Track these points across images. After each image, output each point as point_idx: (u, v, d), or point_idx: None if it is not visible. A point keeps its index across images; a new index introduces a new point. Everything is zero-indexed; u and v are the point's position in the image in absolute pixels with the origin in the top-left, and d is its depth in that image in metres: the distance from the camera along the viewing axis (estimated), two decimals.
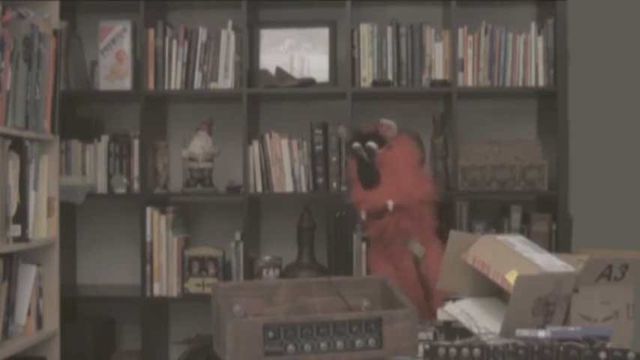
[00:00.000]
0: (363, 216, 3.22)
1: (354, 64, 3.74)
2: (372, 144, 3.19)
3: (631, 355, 1.90)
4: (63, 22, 3.46)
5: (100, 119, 4.01)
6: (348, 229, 3.69)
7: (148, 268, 3.73)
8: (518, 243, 2.31)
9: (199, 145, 3.75)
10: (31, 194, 3.00)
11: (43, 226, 3.13)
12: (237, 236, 3.77)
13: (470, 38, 3.72)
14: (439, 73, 3.73)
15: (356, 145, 3.24)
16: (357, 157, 3.24)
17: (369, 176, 3.18)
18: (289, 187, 3.75)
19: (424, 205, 3.20)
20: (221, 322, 2.04)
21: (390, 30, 3.75)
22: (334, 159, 3.74)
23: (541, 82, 3.70)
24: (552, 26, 3.68)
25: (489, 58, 3.72)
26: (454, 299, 2.32)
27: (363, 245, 3.70)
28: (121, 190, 3.80)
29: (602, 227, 3.77)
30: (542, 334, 1.97)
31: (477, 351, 1.93)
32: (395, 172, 3.17)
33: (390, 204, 3.12)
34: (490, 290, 2.28)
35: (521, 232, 3.60)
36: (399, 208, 3.12)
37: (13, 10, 2.84)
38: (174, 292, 3.75)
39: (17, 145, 2.88)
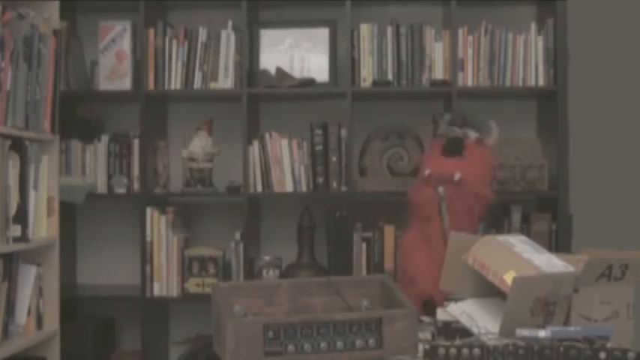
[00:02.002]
0: (426, 172, 3.28)
1: (354, 64, 3.74)
2: (470, 131, 3.35)
3: (631, 355, 1.90)
4: (63, 22, 3.46)
5: (100, 119, 4.01)
6: (348, 229, 3.69)
7: (148, 268, 3.73)
8: (518, 243, 2.31)
9: (199, 145, 3.75)
10: (31, 194, 3.00)
11: (43, 226, 3.13)
12: (237, 236, 3.77)
13: (470, 38, 3.72)
14: (439, 73, 3.73)
15: (456, 128, 3.36)
16: (450, 135, 3.36)
17: (454, 146, 3.29)
18: (289, 187, 3.75)
19: (481, 200, 3.24)
20: (221, 322, 2.04)
21: (390, 30, 3.75)
22: (334, 159, 3.74)
23: (541, 82, 3.70)
24: (552, 26, 3.68)
25: (489, 58, 3.72)
26: (456, 300, 2.32)
27: (364, 245, 3.70)
28: (121, 190, 3.80)
29: (602, 227, 3.77)
30: (542, 334, 1.97)
31: (476, 351, 1.93)
32: (475, 159, 3.27)
33: (458, 174, 3.19)
34: (492, 290, 2.28)
35: (521, 232, 3.60)
36: (462, 187, 3.19)
37: (13, 10, 2.83)
38: (174, 292, 3.75)
39: (17, 145, 2.88)
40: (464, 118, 3.44)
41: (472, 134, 3.34)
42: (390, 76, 3.74)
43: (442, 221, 3.21)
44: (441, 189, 3.20)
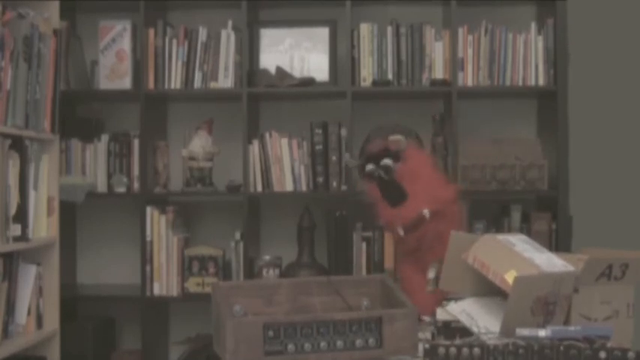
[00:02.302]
0: (401, 232, 3.09)
1: (354, 63, 3.74)
2: (387, 161, 3.10)
3: (631, 354, 1.90)
4: (63, 21, 3.46)
5: (100, 119, 4.01)
6: (348, 228, 3.69)
7: (148, 267, 3.73)
8: (518, 242, 2.30)
9: (199, 144, 3.75)
10: (31, 194, 3.00)
11: (43, 226, 3.13)
12: (237, 236, 3.77)
13: (470, 38, 3.72)
14: (439, 73, 3.73)
15: (370, 167, 3.14)
16: (374, 178, 3.14)
17: (395, 194, 3.08)
18: (289, 187, 3.75)
19: (454, 204, 3.18)
20: (221, 322, 2.04)
21: (390, 30, 3.75)
22: (334, 158, 3.74)
23: (541, 82, 3.70)
24: (552, 26, 3.68)
25: (489, 57, 3.72)
26: (456, 299, 2.32)
27: (364, 245, 3.70)
28: (121, 190, 3.80)
29: (602, 227, 3.77)
30: (542, 333, 1.97)
31: (476, 350, 1.93)
32: (418, 181, 3.09)
33: (427, 212, 3.02)
34: (492, 290, 2.27)
35: (521, 231, 3.60)
36: (434, 214, 3.04)
37: (13, 10, 2.83)
38: (174, 291, 3.75)
39: (17, 144, 2.88)
40: (369, 154, 3.21)
41: (390, 163, 3.11)
42: (390, 76, 3.74)
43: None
44: (425, 212, 3.03)
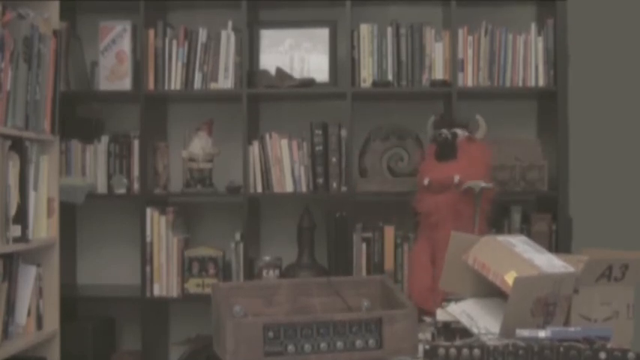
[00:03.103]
0: (426, 182, 3.29)
1: (354, 64, 3.74)
2: (459, 130, 3.36)
3: (631, 355, 1.90)
4: (63, 22, 3.46)
5: (100, 119, 4.01)
6: (348, 229, 3.68)
7: (148, 268, 3.73)
8: (519, 243, 2.30)
9: (199, 145, 3.75)
10: (31, 194, 3.00)
11: (43, 227, 3.13)
12: (237, 236, 3.77)
13: (470, 38, 3.72)
14: (439, 73, 3.73)
15: (444, 130, 3.37)
16: (440, 139, 3.35)
17: (447, 150, 3.31)
18: (289, 188, 3.75)
19: (484, 200, 3.27)
20: (221, 322, 2.04)
21: (390, 30, 3.75)
22: (334, 159, 3.74)
23: (541, 83, 3.70)
24: (552, 26, 3.68)
25: (489, 58, 3.72)
26: (456, 300, 2.32)
27: (363, 246, 3.70)
28: (121, 191, 3.80)
29: (602, 227, 3.77)
30: (542, 334, 1.97)
31: (476, 351, 1.93)
32: (470, 158, 3.30)
33: (457, 177, 3.22)
34: (493, 291, 2.27)
35: (521, 232, 3.60)
36: (461, 186, 3.21)
37: (13, 10, 2.83)
38: (174, 292, 3.75)
39: (17, 145, 2.88)
40: (449, 117, 3.46)
41: (461, 132, 3.37)
42: (390, 77, 3.74)
43: (474, 225, 3.21)
44: (477, 185, 3.23)
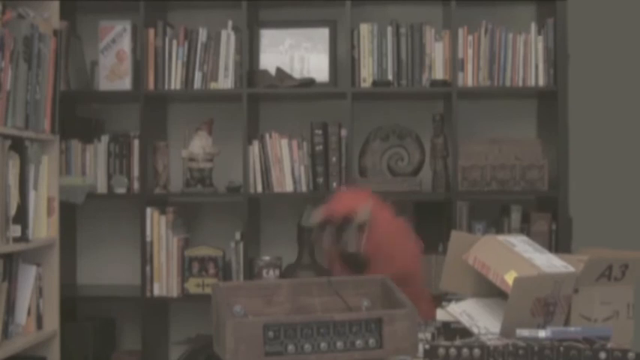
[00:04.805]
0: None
1: (354, 64, 3.74)
2: (347, 236, 2.78)
3: (631, 355, 1.90)
4: (63, 22, 3.46)
5: (100, 119, 4.01)
6: None
7: (147, 268, 3.73)
8: (519, 243, 2.30)
9: (199, 145, 3.75)
10: (31, 194, 3.00)
11: (43, 226, 3.13)
12: (237, 236, 3.77)
13: (470, 38, 3.72)
14: (439, 73, 3.73)
15: (328, 238, 2.80)
16: (337, 251, 2.82)
17: (356, 264, 2.76)
18: (289, 188, 3.75)
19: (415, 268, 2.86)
20: (221, 322, 2.04)
21: (390, 30, 3.75)
22: (334, 159, 3.74)
23: (541, 82, 3.70)
24: (552, 26, 3.68)
25: (489, 58, 3.72)
26: (456, 300, 2.32)
27: None
28: (121, 190, 3.80)
29: (602, 227, 3.77)
30: (542, 334, 1.97)
31: (476, 351, 1.93)
32: (380, 252, 2.76)
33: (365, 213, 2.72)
34: (492, 290, 2.28)
35: (521, 232, 3.60)
36: (396, 282, 2.45)
37: (13, 10, 2.84)
38: (175, 292, 3.75)
39: (17, 145, 2.88)
40: (328, 219, 2.80)
41: (347, 237, 2.77)
42: (390, 76, 3.74)
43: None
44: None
